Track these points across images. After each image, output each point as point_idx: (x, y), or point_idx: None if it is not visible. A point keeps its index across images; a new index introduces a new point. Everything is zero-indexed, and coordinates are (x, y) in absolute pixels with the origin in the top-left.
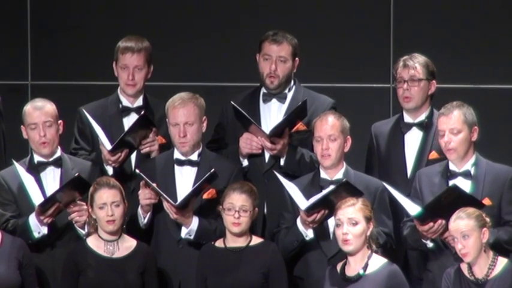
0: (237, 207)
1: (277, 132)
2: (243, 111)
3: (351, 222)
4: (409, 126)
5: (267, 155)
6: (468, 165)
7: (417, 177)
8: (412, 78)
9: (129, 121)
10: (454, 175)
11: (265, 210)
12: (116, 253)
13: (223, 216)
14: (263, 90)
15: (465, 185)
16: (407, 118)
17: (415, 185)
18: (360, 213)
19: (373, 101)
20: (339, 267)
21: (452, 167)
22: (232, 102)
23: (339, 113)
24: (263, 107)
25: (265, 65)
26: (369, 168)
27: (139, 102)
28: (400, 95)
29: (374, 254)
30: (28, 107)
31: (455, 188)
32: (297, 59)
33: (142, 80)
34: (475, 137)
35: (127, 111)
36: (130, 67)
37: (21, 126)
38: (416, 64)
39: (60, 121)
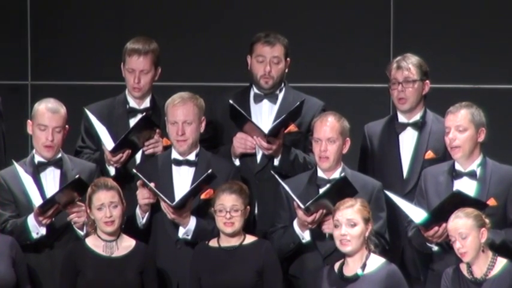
0: (227, 207)
1: (274, 132)
2: (241, 110)
3: (349, 223)
4: (404, 126)
5: (258, 156)
6: (474, 166)
7: (423, 176)
8: (406, 80)
9: (135, 122)
10: (459, 175)
11: (256, 211)
12: (115, 253)
13: (216, 218)
14: (254, 90)
15: (470, 186)
16: (402, 118)
17: (420, 184)
18: (358, 215)
19: (372, 101)
20: (336, 267)
21: (458, 167)
22: (231, 101)
23: (339, 114)
24: (254, 108)
25: (259, 66)
26: (363, 169)
27: (146, 103)
28: (395, 97)
29: (372, 254)
30: (42, 107)
31: (459, 193)
32: (288, 59)
33: (148, 84)
34: (482, 137)
35: (134, 112)
36: (136, 70)
37: (28, 120)
38: (410, 65)
39: (66, 126)
